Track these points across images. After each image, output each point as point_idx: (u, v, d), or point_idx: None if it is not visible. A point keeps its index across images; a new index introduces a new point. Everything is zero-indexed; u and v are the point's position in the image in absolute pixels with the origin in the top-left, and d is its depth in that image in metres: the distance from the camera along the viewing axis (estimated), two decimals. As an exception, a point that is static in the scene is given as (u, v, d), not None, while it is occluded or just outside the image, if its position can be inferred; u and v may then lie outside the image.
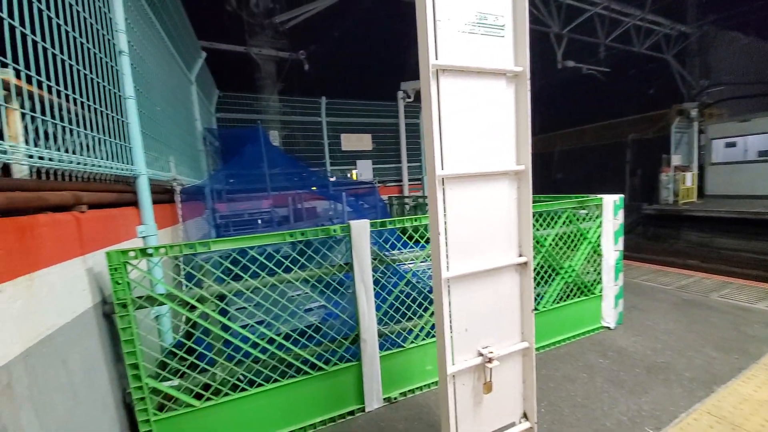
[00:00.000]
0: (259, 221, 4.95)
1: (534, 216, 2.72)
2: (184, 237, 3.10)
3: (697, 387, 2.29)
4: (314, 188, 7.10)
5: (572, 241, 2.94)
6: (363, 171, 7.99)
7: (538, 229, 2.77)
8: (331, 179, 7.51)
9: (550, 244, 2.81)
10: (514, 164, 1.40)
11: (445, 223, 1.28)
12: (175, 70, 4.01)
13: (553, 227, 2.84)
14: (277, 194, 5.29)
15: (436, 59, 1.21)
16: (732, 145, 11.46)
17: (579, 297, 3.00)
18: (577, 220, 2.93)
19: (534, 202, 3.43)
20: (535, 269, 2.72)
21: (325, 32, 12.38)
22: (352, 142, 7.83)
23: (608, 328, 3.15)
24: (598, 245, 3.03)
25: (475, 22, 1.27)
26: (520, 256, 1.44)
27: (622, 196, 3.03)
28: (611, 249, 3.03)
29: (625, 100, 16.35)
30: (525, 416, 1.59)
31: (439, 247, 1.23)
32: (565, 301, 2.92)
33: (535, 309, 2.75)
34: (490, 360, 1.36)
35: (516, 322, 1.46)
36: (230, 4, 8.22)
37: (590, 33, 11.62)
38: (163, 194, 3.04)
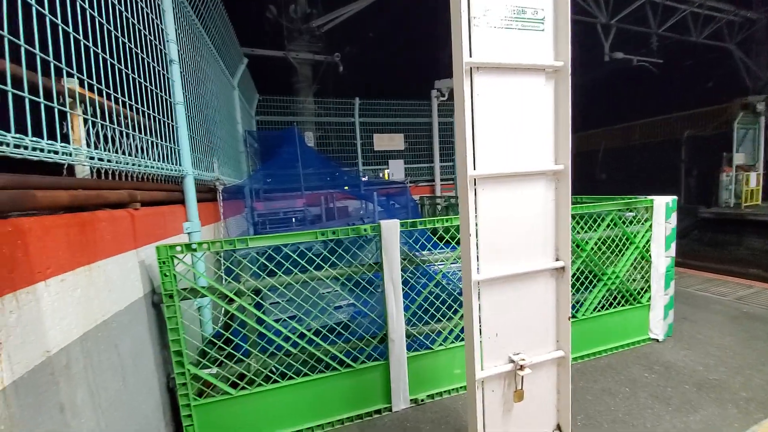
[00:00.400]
0: (294, 219, 5.10)
1: (575, 218, 2.59)
2: (224, 234, 3.27)
3: (755, 408, 2.06)
4: (346, 188, 7.22)
5: (617, 245, 2.75)
6: (395, 171, 7.98)
7: (578, 232, 2.62)
8: (363, 179, 7.59)
9: (592, 248, 2.64)
10: (553, 164, 1.33)
11: (477, 224, 1.24)
12: (219, 77, 4.24)
13: (596, 230, 2.67)
14: (310, 193, 5.43)
15: (470, 57, 1.18)
16: (809, 141, 10.17)
17: (624, 306, 2.81)
18: (623, 223, 2.73)
19: (575, 203, 3.28)
20: (574, 274, 2.59)
21: (360, 33, 12.52)
22: (384, 142, 7.85)
23: (656, 340, 2.91)
24: (647, 251, 2.81)
25: (512, 17, 1.23)
26: (557, 260, 1.37)
27: (675, 197, 2.79)
28: (662, 255, 2.80)
29: (680, 94, 15.05)
30: (559, 428, 1.51)
31: (470, 249, 1.20)
32: (608, 309, 2.74)
33: (573, 317, 2.61)
34: (521, 367, 1.30)
35: (551, 329, 1.40)
36: (271, 12, 8.56)
37: (641, 22, 10.81)
38: (206, 193, 3.23)
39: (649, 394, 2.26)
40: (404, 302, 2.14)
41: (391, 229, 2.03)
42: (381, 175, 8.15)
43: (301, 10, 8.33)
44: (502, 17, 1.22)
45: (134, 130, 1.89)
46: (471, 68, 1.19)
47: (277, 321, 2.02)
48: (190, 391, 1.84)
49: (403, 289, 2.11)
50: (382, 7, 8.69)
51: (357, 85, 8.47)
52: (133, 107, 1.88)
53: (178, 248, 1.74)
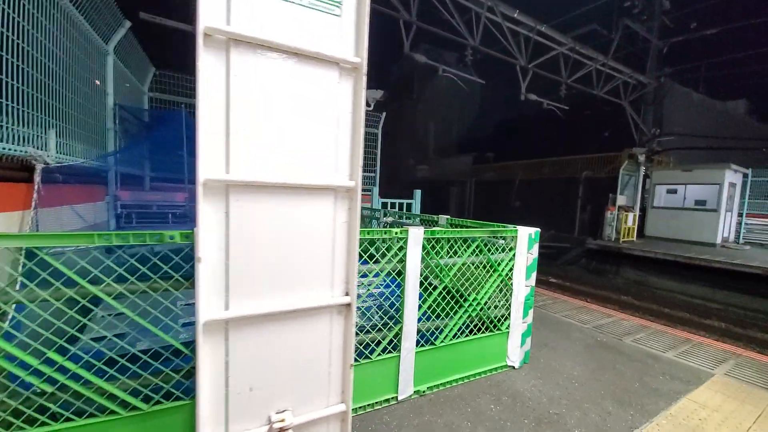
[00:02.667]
0: (170, 216, 4.41)
1: (439, 242, 2.49)
2: (31, 226, 2.57)
3: (581, 447, 2.10)
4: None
5: (482, 272, 2.73)
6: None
7: (442, 257, 2.53)
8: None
9: (455, 274, 2.57)
10: (346, 179, 1.11)
11: (227, 245, 0.95)
12: (76, 36, 3.48)
13: (461, 255, 2.61)
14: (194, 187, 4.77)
15: (228, 24, 0.90)
16: (673, 191, 12.22)
17: (484, 333, 2.79)
18: (489, 251, 2.72)
19: (459, 226, 3.22)
20: (435, 300, 2.47)
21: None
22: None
23: (512, 367, 2.95)
24: (509, 278, 2.85)
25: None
26: (346, 295, 1.14)
27: (538, 229, 2.88)
28: (522, 284, 2.85)
29: (582, 139, 17.25)
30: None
31: (200, 277, 0.90)
32: (468, 336, 2.69)
33: (432, 343, 2.49)
34: (282, 430, 1.03)
35: (334, 378, 1.16)
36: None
37: (554, 71, 12.09)
38: (11, 171, 2.51)
39: (487, 430, 2.19)
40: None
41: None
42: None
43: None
44: (292, -11, 0.97)
45: None
46: (230, 40, 0.91)
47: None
48: None
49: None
50: None
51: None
52: None
53: None
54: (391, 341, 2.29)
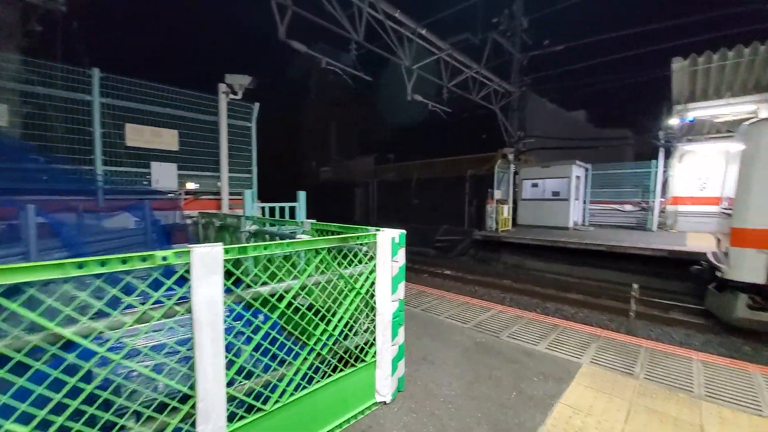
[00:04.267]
0: None
1: (265, 259, 1.74)
2: None
3: None
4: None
5: (333, 293, 2.08)
6: (162, 177, 5.99)
7: (266, 283, 1.79)
8: (102, 183, 5.35)
9: (291, 302, 1.86)
10: None
11: None
12: None
13: (299, 276, 1.92)
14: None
15: None
16: (536, 185, 14.05)
17: (344, 369, 2.15)
18: (339, 264, 2.10)
19: (321, 232, 2.44)
20: (257, 345, 1.71)
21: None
22: (143, 136, 5.77)
23: (384, 402, 2.39)
24: (372, 296, 2.28)
25: None
26: None
27: (403, 232, 2.39)
28: (388, 300, 2.31)
29: (467, 140, 18.80)
30: None
31: None
32: (319, 381, 2.01)
33: (260, 410, 1.72)
34: None
35: None
36: None
37: (437, 74, 12.65)
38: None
39: None
40: None
41: None
42: (146, 182, 6.02)
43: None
44: None
45: None
46: None
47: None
48: None
49: None
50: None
51: (101, 52, 6.12)
52: None
53: None
54: (177, 430, 1.44)
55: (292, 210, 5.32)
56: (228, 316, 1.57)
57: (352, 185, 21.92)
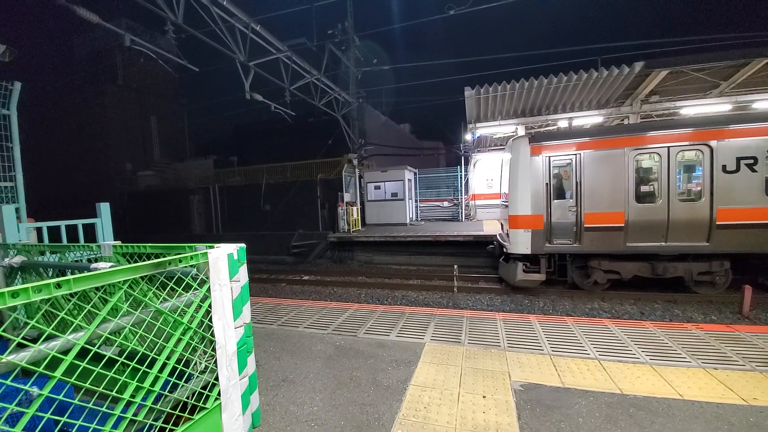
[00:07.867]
0: None
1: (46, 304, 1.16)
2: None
3: None
4: None
5: (146, 338, 1.62)
6: None
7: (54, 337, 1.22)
8: None
9: (88, 361, 1.34)
10: None
11: None
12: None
13: (93, 322, 1.40)
14: None
15: None
16: (378, 187, 15.44)
17: (174, 429, 1.71)
18: (158, 297, 1.66)
19: (130, 255, 1.85)
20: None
21: None
22: None
23: (236, 448, 2.06)
24: (209, 328, 1.91)
25: None
26: None
27: (243, 246, 2.10)
28: (230, 328, 1.98)
29: (315, 144, 18.88)
30: None
31: None
32: (138, 455, 1.52)
33: None
34: None
35: None
36: None
37: (278, 76, 12.17)
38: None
39: None
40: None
41: None
42: None
43: None
44: None
45: None
46: None
47: None
48: None
49: None
50: None
51: None
52: None
53: None
54: None
55: (91, 228, 4.04)
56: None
57: (186, 192, 18.63)
